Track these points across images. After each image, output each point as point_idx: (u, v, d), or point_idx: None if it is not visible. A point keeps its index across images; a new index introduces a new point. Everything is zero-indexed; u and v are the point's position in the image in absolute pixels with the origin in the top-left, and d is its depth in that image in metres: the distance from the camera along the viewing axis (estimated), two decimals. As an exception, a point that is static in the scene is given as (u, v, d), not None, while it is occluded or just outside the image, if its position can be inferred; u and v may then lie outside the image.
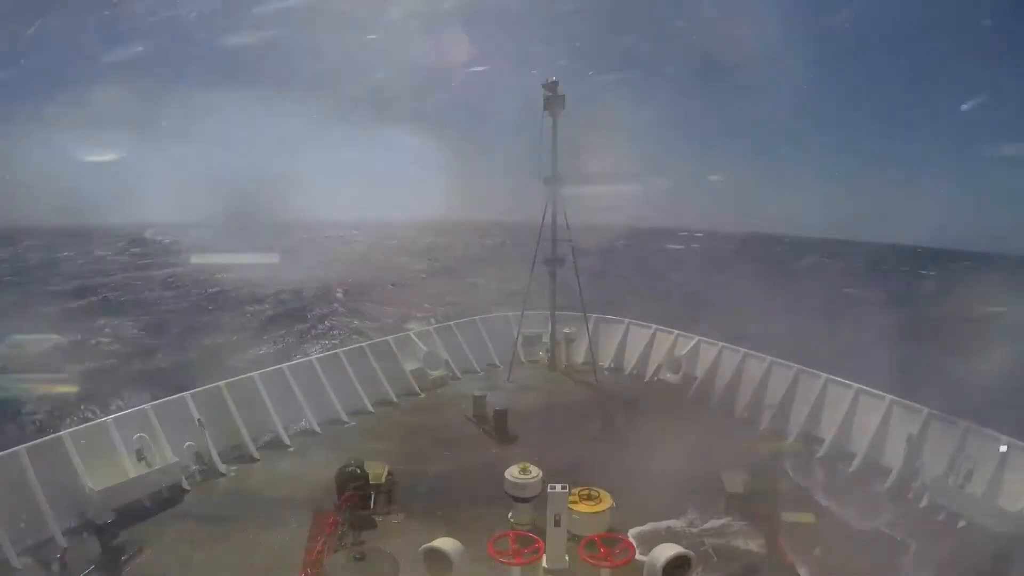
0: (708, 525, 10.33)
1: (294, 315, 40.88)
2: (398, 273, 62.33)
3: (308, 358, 14.82)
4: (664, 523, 10.43)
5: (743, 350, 16.01)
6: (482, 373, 18.43)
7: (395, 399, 15.84)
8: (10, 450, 9.60)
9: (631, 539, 9.02)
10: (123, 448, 10.80)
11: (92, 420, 11.05)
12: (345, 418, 14.49)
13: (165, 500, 10.63)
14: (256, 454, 12.52)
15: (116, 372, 28.33)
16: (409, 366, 16.77)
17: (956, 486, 10.50)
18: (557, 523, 8.45)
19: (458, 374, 17.92)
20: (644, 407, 15.74)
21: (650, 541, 9.94)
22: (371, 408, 15.16)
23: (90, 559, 8.70)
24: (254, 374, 13.58)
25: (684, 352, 17.21)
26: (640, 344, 18.69)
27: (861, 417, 12.93)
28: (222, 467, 11.87)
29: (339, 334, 35.96)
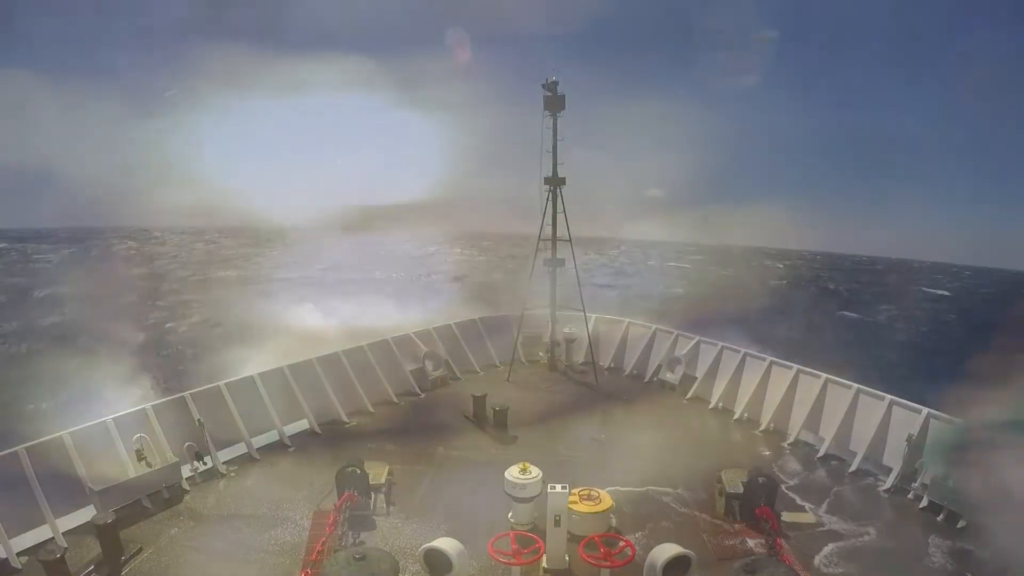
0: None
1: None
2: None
3: (308, 358, 14.79)
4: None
5: (743, 350, 15.99)
6: (482, 373, 18.44)
7: (395, 399, 15.84)
8: (10, 450, 9.60)
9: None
10: (123, 448, 10.79)
11: (92, 421, 11.00)
12: (345, 418, 14.49)
13: (165, 500, 10.63)
14: (256, 454, 12.52)
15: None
16: (409, 366, 16.78)
17: (956, 486, 10.48)
18: (557, 523, 8.45)
19: (458, 374, 17.93)
20: (644, 406, 15.79)
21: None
22: (371, 408, 15.16)
23: (90, 559, 8.70)
24: (254, 374, 13.58)
25: (684, 352, 17.21)
26: (640, 344, 18.69)
27: (861, 417, 12.92)
28: (222, 467, 11.87)
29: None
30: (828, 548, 9.48)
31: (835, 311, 56.81)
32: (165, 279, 63.48)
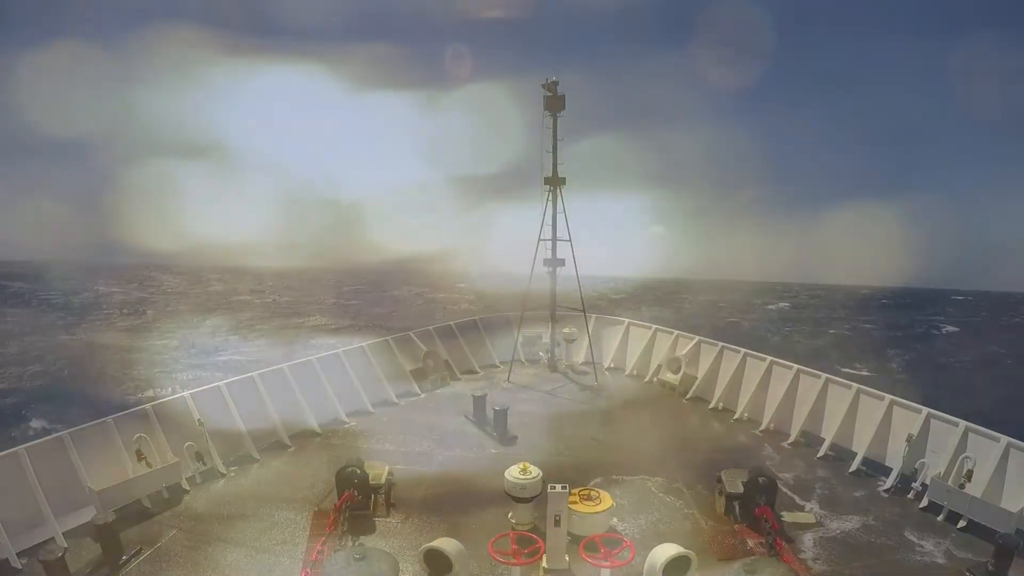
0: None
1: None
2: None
3: (308, 358, 14.82)
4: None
5: (743, 350, 16.01)
6: (482, 373, 18.45)
7: (395, 399, 15.85)
8: (10, 450, 9.60)
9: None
10: (123, 448, 10.80)
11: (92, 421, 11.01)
12: (345, 418, 14.49)
13: (165, 500, 10.64)
14: (256, 454, 12.52)
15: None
16: (409, 366, 16.79)
17: (956, 486, 10.50)
18: (557, 523, 8.45)
19: (458, 374, 17.94)
20: (644, 406, 15.81)
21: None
22: (371, 408, 15.17)
23: (90, 559, 8.70)
24: (254, 374, 13.59)
25: (684, 352, 17.22)
26: (640, 344, 18.71)
27: (861, 417, 12.93)
28: (222, 467, 11.88)
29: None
30: (828, 548, 9.48)
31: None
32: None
